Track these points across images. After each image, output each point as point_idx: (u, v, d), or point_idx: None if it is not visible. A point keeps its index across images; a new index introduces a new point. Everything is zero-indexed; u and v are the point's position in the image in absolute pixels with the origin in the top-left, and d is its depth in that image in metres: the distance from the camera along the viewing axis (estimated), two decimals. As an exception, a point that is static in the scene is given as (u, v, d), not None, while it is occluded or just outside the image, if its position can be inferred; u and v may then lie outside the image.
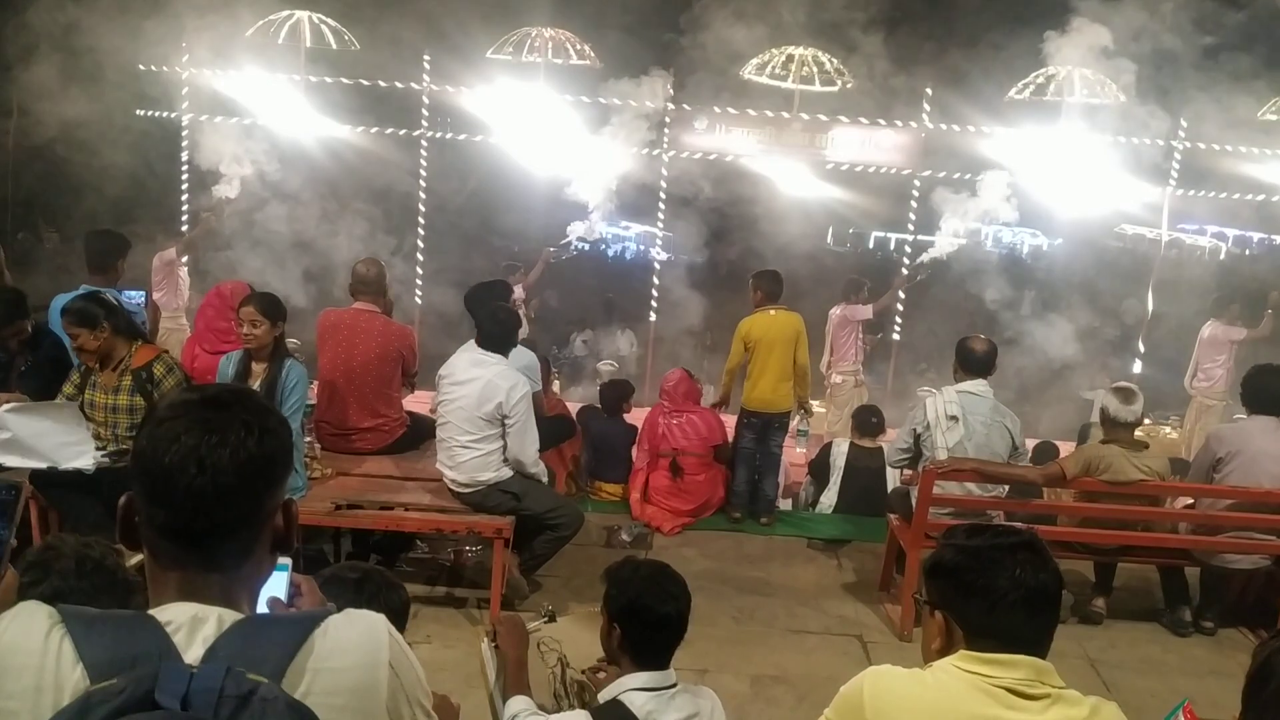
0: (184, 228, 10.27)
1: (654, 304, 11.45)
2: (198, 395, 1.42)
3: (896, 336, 11.03)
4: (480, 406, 5.26)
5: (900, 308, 10.75)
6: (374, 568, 2.90)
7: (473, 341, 5.49)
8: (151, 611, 1.35)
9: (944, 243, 9.94)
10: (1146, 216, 11.87)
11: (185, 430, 1.36)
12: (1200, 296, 10.61)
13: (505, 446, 5.35)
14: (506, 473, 5.40)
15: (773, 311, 7.32)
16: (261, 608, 1.51)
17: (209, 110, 9.95)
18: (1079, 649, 5.55)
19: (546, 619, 3.41)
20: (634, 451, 7.48)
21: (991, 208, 9.19)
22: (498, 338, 5.40)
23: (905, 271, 10.58)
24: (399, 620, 2.70)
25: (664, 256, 12.39)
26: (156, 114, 10.48)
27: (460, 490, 5.45)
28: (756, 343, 7.25)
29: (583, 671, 3.16)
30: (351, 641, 1.38)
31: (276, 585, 1.57)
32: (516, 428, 5.26)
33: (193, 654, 1.28)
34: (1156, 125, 9.59)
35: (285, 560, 1.55)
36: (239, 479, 1.37)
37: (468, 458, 5.36)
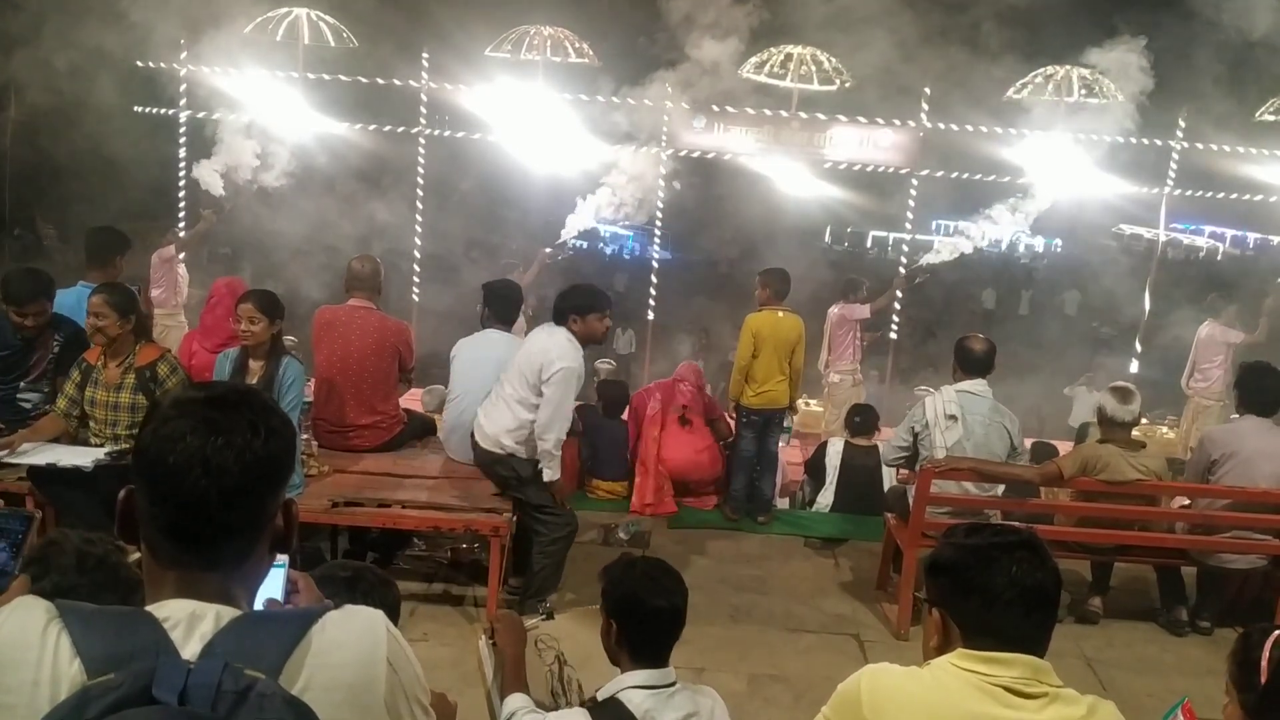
0: (181, 224, 10.26)
1: (652, 302, 11.44)
2: (202, 394, 1.42)
3: (894, 335, 11.03)
4: (528, 363, 5.30)
5: (898, 306, 10.75)
6: (366, 565, 2.89)
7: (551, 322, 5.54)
8: (149, 608, 1.34)
9: (945, 247, 9.97)
10: (1144, 216, 11.87)
11: (190, 430, 1.35)
12: (1198, 296, 10.61)
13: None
14: (524, 452, 5.37)
15: (780, 313, 7.33)
16: (258, 607, 1.51)
17: (207, 107, 9.94)
18: (1076, 648, 5.56)
19: (544, 616, 3.41)
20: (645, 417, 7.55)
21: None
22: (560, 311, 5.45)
23: (903, 271, 10.58)
24: (390, 618, 2.70)
25: (662, 255, 12.37)
26: (154, 110, 10.47)
27: (477, 444, 5.45)
28: (763, 342, 7.25)
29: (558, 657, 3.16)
30: (350, 638, 1.38)
31: (273, 583, 1.57)
32: (548, 400, 5.23)
33: (190, 650, 1.28)
34: (1155, 125, 9.61)
35: (282, 558, 1.55)
36: (244, 480, 1.36)
37: (502, 410, 5.36)
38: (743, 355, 7.34)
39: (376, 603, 2.51)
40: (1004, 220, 9.56)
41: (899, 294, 10.47)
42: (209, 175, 9.34)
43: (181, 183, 10.28)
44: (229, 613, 1.34)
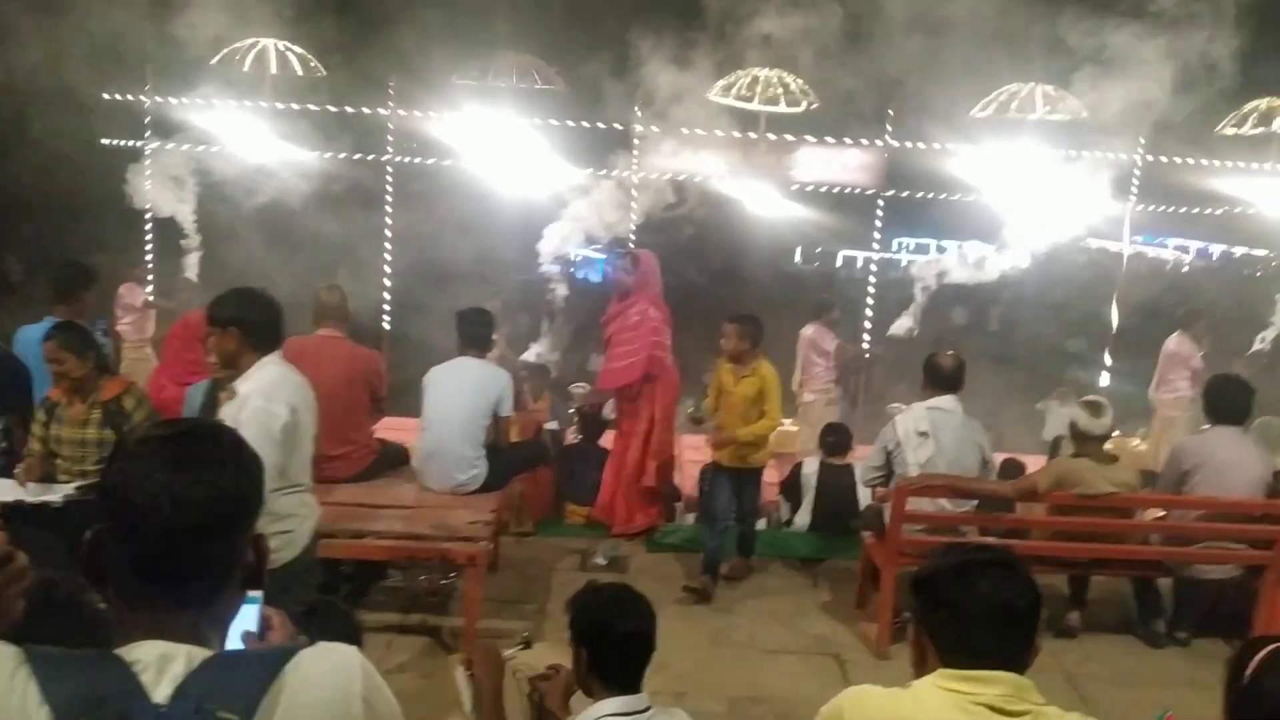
0: (148, 256, 10.22)
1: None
2: (170, 430, 1.40)
3: (867, 355, 11.07)
4: None
5: (868, 325, 10.81)
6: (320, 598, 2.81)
7: None
8: (118, 651, 1.32)
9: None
10: (1109, 231, 11.98)
11: (158, 467, 1.33)
12: (1165, 308, 10.72)
13: None
14: None
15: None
16: (235, 642, 1.48)
17: (173, 138, 9.88)
18: (1055, 663, 5.56)
19: (522, 646, 3.38)
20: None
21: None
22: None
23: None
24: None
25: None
26: (120, 143, 10.39)
27: None
28: None
29: (530, 680, 3.13)
30: (323, 675, 1.36)
31: (247, 619, 1.54)
32: None
33: (162, 693, 1.26)
34: (1117, 140, 9.72)
35: (256, 594, 1.53)
36: (213, 516, 1.34)
37: None
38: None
39: (335, 632, 2.47)
40: (994, 262, 9.75)
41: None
42: (160, 199, 9.33)
43: (148, 216, 10.21)
44: (200, 653, 1.32)
